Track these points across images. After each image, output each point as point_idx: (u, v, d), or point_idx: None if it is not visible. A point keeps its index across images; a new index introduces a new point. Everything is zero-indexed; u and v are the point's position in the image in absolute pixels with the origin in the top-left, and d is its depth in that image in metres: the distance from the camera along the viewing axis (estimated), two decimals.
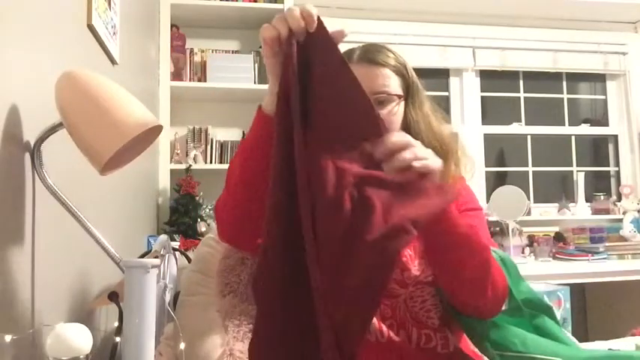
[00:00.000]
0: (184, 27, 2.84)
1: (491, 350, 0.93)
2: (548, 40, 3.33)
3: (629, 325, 1.92)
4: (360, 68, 0.98)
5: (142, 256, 1.59)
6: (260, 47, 2.85)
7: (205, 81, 2.80)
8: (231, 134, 2.91)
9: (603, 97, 3.57)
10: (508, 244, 2.77)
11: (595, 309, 3.17)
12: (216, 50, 2.91)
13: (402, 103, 1.02)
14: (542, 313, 0.98)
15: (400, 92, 1.02)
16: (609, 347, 1.48)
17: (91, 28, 1.31)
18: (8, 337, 0.76)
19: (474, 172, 1.09)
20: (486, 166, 3.33)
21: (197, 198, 2.61)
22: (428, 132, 1.03)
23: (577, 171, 3.44)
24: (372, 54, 1.01)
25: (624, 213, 3.15)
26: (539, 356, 0.89)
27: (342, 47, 1.07)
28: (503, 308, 0.95)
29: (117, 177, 1.09)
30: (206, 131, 2.81)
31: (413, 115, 1.03)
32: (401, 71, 1.03)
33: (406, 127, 1.03)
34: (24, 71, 0.92)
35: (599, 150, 3.60)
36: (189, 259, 1.79)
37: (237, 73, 2.78)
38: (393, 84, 1.01)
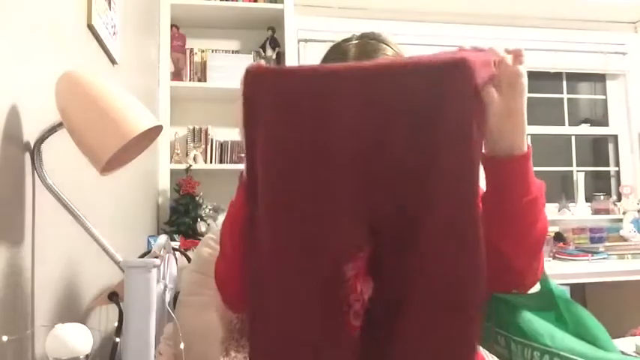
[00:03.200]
0: (184, 27, 2.84)
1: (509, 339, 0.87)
2: (548, 40, 3.33)
3: (629, 325, 1.92)
4: None
5: (142, 256, 1.59)
6: (260, 47, 2.84)
7: (205, 81, 2.80)
8: (231, 134, 2.91)
9: (603, 97, 3.57)
10: None
11: (595, 309, 3.15)
12: (216, 50, 2.91)
13: None
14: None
15: None
16: None
17: (91, 28, 1.31)
18: (8, 337, 0.76)
19: None
20: None
21: (197, 198, 2.61)
22: None
23: (577, 171, 3.43)
24: (369, 54, 0.96)
25: (624, 213, 3.15)
26: (564, 354, 0.83)
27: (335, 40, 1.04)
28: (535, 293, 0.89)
29: (117, 177, 1.09)
30: (206, 131, 2.81)
31: None
32: None
33: None
34: (24, 71, 0.92)
35: (599, 150, 3.60)
36: (189, 259, 1.79)
37: (237, 73, 2.78)
38: None
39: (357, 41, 1.00)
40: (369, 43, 0.99)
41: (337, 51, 1.00)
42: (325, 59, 1.02)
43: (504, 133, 0.77)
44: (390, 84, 0.68)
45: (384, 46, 0.99)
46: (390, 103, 0.68)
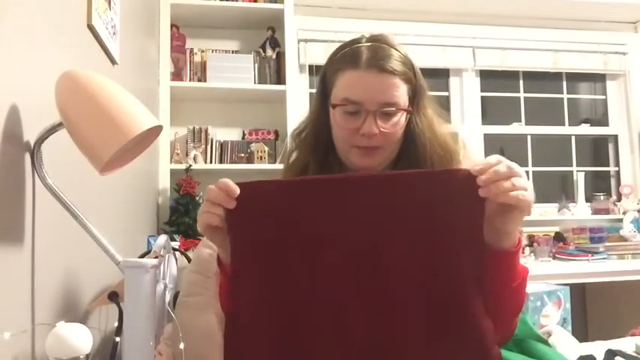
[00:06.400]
0: (184, 27, 2.84)
1: None
2: (548, 40, 3.33)
3: (629, 325, 1.92)
4: (369, 76, 0.95)
5: (142, 256, 1.59)
6: (260, 47, 2.85)
7: (205, 81, 2.80)
8: (231, 134, 2.91)
9: (603, 97, 3.57)
10: None
11: (595, 309, 3.17)
12: (216, 50, 2.91)
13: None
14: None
15: (408, 104, 0.98)
16: (609, 347, 1.47)
17: (91, 28, 1.31)
18: (7, 335, 0.76)
19: None
20: None
21: (197, 198, 2.61)
22: (432, 139, 1.00)
23: (577, 171, 3.43)
24: (382, 60, 0.95)
25: (624, 213, 3.15)
26: None
27: (346, 39, 1.03)
28: None
29: (117, 177, 1.09)
30: (206, 131, 2.81)
31: (417, 123, 1.00)
32: (409, 77, 0.98)
33: (410, 134, 1.00)
34: (24, 71, 0.92)
35: (599, 150, 3.60)
36: (189, 259, 1.79)
37: (237, 73, 2.78)
38: (402, 94, 0.97)
39: (368, 44, 0.99)
40: (380, 47, 0.98)
41: (348, 53, 0.99)
42: (332, 61, 1.02)
43: (498, 236, 0.79)
44: (403, 189, 0.74)
45: (395, 51, 0.98)
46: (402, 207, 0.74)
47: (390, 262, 0.73)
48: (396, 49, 0.99)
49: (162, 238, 1.14)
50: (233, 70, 2.78)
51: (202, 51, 2.88)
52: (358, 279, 0.73)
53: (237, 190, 0.76)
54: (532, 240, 2.97)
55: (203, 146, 2.79)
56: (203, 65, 2.85)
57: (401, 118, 0.98)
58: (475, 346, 0.73)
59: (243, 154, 2.80)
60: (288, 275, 0.75)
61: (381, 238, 0.73)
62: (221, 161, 2.80)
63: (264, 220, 0.76)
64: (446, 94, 3.35)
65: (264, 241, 0.76)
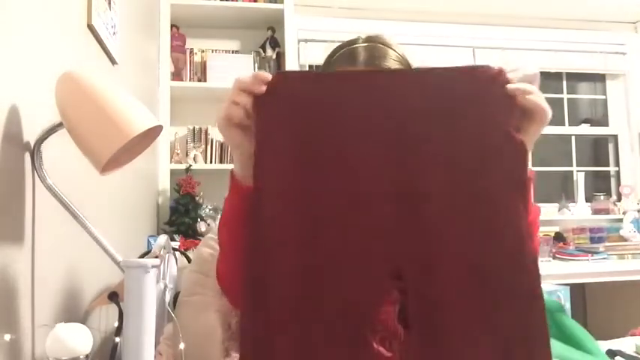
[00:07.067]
0: (184, 27, 2.84)
1: None
2: (548, 40, 3.34)
3: (629, 325, 1.92)
4: None
5: (142, 256, 1.59)
6: (260, 47, 2.85)
7: (205, 81, 2.81)
8: None
9: (603, 97, 3.57)
10: None
11: (595, 309, 3.17)
12: (216, 50, 2.91)
13: None
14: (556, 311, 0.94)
15: None
16: (609, 347, 1.48)
17: (91, 28, 1.31)
18: (7, 337, 0.76)
19: None
20: None
21: (197, 198, 2.61)
22: None
23: (577, 171, 3.44)
24: (378, 60, 0.96)
25: (624, 213, 3.15)
26: None
27: (346, 39, 1.04)
28: None
29: (117, 177, 1.09)
30: (206, 131, 2.81)
31: None
32: None
33: None
34: (24, 71, 0.92)
35: (599, 150, 3.60)
36: (189, 259, 1.79)
37: (237, 73, 2.78)
38: None
39: (365, 44, 0.99)
40: (377, 47, 0.98)
41: (346, 54, 0.99)
42: (330, 62, 1.02)
43: None
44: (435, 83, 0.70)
45: (391, 51, 0.99)
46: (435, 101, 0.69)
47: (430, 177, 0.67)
48: (392, 49, 0.99)
49: (163, 238, 1.14)
50: (233, 70, 2.79)
51: (202, 51, 2.88)
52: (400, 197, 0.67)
53: (269, 76, 0.70)
54: None
55: (203, 146, 2.79)
56: (203, 65, 2.85)
57: None
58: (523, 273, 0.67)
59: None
60: (322, 184, 0.67)
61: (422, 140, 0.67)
62: (221, 161, 2.80)
63: (298, 115, 0.67)
64: None
65: (295, 138, 0.67)
